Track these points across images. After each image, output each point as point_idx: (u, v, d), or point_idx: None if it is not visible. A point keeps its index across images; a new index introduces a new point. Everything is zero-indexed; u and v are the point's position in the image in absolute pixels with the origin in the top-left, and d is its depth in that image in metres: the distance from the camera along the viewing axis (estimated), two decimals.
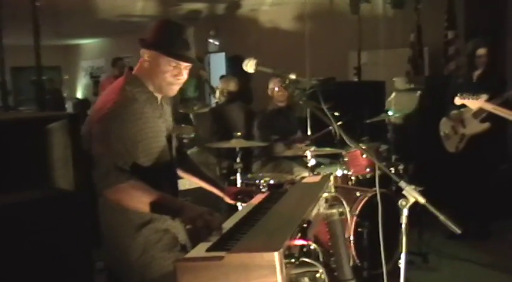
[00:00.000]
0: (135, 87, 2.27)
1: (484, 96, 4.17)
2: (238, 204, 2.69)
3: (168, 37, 2.24)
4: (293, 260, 1.55)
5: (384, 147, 4.87)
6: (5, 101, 6.13)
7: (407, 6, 6.93)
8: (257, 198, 2.41)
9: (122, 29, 11.70)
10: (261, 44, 9.65)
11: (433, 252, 4.36)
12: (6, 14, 5.49)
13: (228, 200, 2.64)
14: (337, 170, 4.40)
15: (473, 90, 4.33)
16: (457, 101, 4.28)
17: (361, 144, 4.33)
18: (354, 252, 3.59)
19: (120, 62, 8.39)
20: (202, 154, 5.34)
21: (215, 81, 8.27)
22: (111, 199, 2.13)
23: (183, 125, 5.97)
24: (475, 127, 4.74)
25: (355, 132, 5.00)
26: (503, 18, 6.64)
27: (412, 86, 6.17)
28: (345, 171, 4.37)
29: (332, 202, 2.32)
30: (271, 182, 4.07)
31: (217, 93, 5.73)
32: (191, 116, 6.14)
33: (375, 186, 2.16)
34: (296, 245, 1.64)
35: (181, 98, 7.71)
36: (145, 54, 2.28)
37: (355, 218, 3.64)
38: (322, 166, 4.64)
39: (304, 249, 1.68)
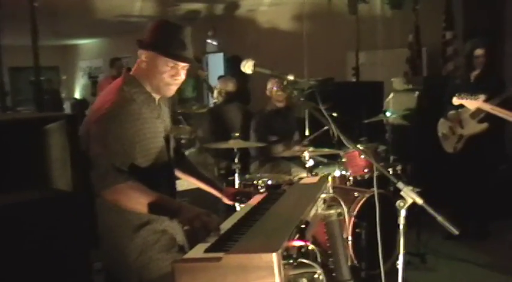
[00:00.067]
0: (133, 88, 2.28)
1: (482, 97, 4.17)
2: (237, 205, 2.70)
3: (165, 37, 2.24)
4: (291, 261, 1.55)
5: (382, 147, 4.87)
6: (3, 101, 6.11)
7: (405, 7, 6.94)
8: (255, 199, 2.41)
9: (120, 29, 11.68)
10: (259, 44, 9.65)
11: (431, 253, 4.37)
12: (4, 14, 5.47)
13: (226, 200, 2.65)
14: (335, 170, 4.40)
15: (471, 91, 4.33)
16: (455, 101, 4.28)
17: (359, 145, 4.33)
18: (352, 253, 3.59)
19: (118, 62, 8.39)
20: (200, 154, 5.34)
21: (213, 82, 8.27)
22: (109, 200, 2.13)
23: (181, 126, 5.97)
24: (473, 128, 4.74)
25: (353, 133, 5.00)
26: (501, 18, 6.65)
27: (410, 86, 6.17)
28: (343, 172, 4.37)
29: (330, 203, 2.32)
30: (269, 182, 4.06)
31: (215, 94, 5.73)
32: (187, 116, 6.14)
33: (373, 186, 2.16)
34: (294, 246, 1.64)
35: (179, 98, 7.72)
36: (143, 54, 2.28)
37: (353, 219, 3.64)
38: (320, 167, 4.64)
39: (302, 250, 1.68)
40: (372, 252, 3.18)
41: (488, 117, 4.50)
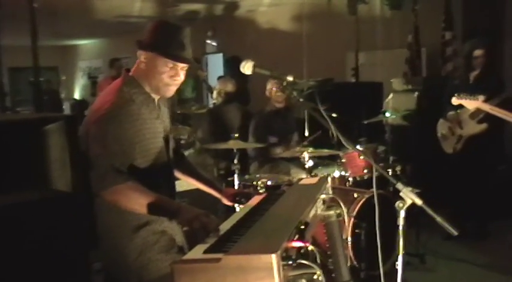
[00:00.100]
0: (132, 89, 2.27)
1: (482, 97, 4.17)
2: (236, 205, 2.69)
3: (165, 38, 2.24)
4: (290, 262, 1.55)
5: (381, 148, 4.88)
6: (2, 101, 6.11)
7: (405, 7, 6.94)
8: (255, 200, 2.41)
9: (120, 29, 11.68)
10: (258, 44, 9.65)
11: (430, 253, 4.37)
12: (4, 14, 5.47)
13: (225, 201, 2.65)
14: (334, 171, 4.40)
15: (471, 91, 4.31)
16: (455, 101, 4.26)
17: (358, 145, 4.33)
18: (351, 254, 3.59)
19: (117, 62, 8.39)
20: (199, 155, 5.34)
21: (213, 82, 8.27)
22: (108, 200, 2.13)
23: (180, 126, 5.96)
24: (472, 128, 4.75)
25: (352, 133, 5.00)
26: (501, 19, 6.66)
27: (410, 86, 6.17)
28: (343, 173, 4.37)
29: (329, 203, 2.32)
30: (269, 183, 4.06)
31: (215, 94, 5.73)
32: (186, 117, 6.14)
33: (372, 187, 2.15)
34: (293, 247, 1.64)
35: (178, 98, 7.71)
36: (142, 55, 2.28)
37: (352, 219, 3.64)
38: (319, 167, 4.64)
39: (302, 251, 1.68)
40: (371, 253, 3.19)
41: (488, 117, 4.50)
